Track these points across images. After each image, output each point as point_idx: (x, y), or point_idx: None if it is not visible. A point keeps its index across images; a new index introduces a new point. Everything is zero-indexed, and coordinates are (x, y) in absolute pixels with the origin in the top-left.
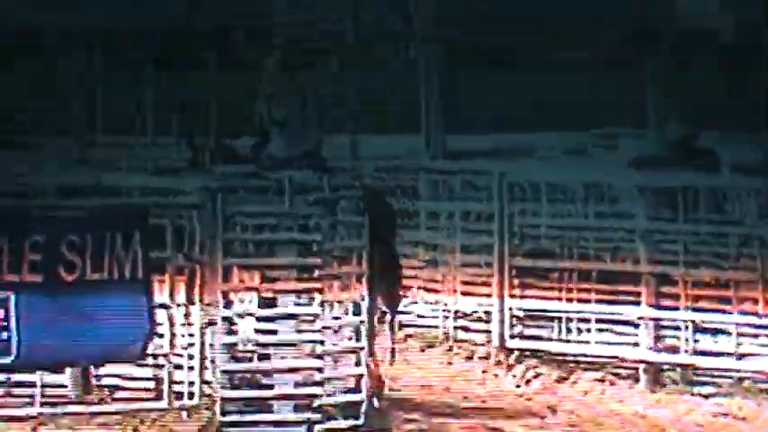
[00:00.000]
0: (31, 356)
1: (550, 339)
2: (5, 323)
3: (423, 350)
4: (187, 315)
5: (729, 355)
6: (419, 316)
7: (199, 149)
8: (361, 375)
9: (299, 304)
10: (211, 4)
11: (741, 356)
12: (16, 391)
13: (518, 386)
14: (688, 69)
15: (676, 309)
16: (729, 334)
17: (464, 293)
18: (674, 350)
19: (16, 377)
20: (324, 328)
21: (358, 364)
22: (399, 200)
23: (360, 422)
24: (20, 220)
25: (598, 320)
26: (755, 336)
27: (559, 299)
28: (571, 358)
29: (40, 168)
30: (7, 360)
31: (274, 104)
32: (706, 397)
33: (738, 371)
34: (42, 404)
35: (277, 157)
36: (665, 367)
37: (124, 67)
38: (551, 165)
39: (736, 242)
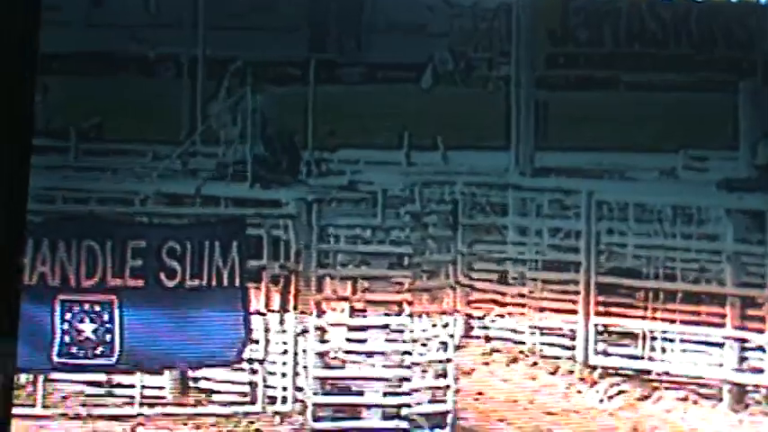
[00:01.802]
0: (131, 358)
1: (634, 357)
2: (110, 325)
3: (508, 364)
4: (281, 323)
5: None
6: (504, 330)
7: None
8: (448, 386)
9: (388, 315)
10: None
11: None
12: (117, 391)
13: (601, 401)
14: None
15: (761, 331)
16: None
17: (550, 309)
18: (758, 371)
19: (117, 378)
20: (412, 339)
21: (445, 375)
22: (488, 215)
23: (446, 431)
24: (123, 226)
25: (682, 340)
26: None
27: (644, 317)
28: (654, 377)
29: (143, 176)
30: (110, 361)
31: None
32: None
33: None
34: (141, 405)
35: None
36: (749, 388)
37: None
38: (640, 185)
39: None
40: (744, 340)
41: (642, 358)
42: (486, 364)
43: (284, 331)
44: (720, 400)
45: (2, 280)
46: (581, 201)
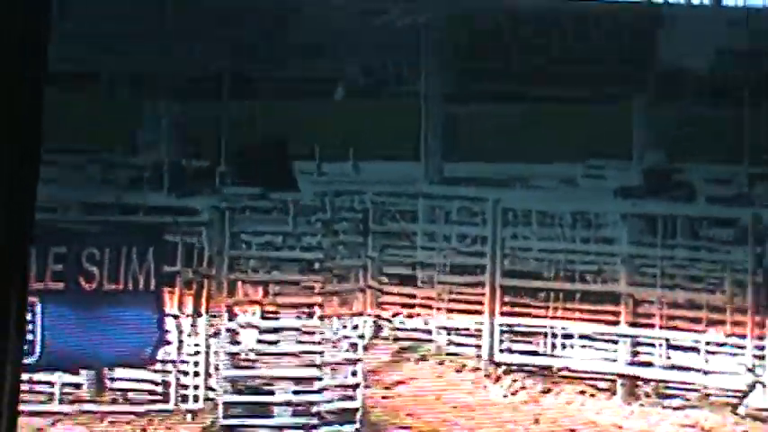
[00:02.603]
0: (51, 358)
1: (537, 354)
2: (31, 326)
3: (416, 363)
4: (194, 325)
5: (698, 371)
6: (413, 330)
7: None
8: (357, 384)
9: (299, 318)
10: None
11: (707, 373)
12: (37, 388)
13: (505, 396)
14: (670, 106)
15: (652, 327)
16: (699, 352)
17: (457, 311)
18: (648, 365)
19: (38, 376)
20: (323, 340)
21: (354, 374)
22: (398, 222)
23: (356, 427)
24: (45, 233)
25: (581, 337)
26: (722, 354)
27: (545, 317)
28: (555, 372)
29: (65, 185)
30: (31, 360)
31: None
32: (675, 409)
33: (705, 386)
34: (60, 402)
35: None
36: (640, 382)
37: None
38: (543, 193)
39: (708, 267)
40: (635, 336)
41: (544, 355)
42: (396, 362)
43: (197, 333)
44: (614, 393)
45: None
46: (487, 208)
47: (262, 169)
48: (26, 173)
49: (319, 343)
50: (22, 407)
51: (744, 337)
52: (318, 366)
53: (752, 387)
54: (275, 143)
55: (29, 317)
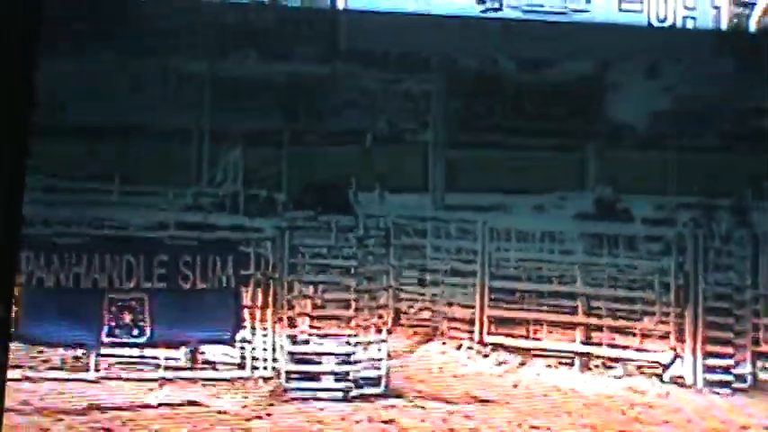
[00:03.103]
0: (157, 337)
1: (516, 336)
2: (142, 315)
3: (425, 343)
4: (263, 314)
5: (633, 349)
6: (424, 319)
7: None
8: (381, 359)
9: (340, 308)
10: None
11: (641, 350)
12: (147, 361)
13: (491, 367)
14: (616, 149)
15: (600, 317)
16: (635, 335)
17: (456, 305)
18: (598, 345)
19: (147, 352)
20: (357, 325)
21: (380, 350)
22: (411, 237)
23: (382, 389)
24: (151, 245)
25: (548, 324)
26: (652, 337)
27: (522, 309)
28: (529, 350)
29: (165, 209)
30: (143, 338)
31: None
32: (617, 378)
33: (638, 360)
34: (165, 369)
35: None
36: (592, 358)
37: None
38: (520, 217)
39: (642, 271)
40: (588, 324)
41: (521, 337)
42: (410, 343)
43: (265, 320)
44: (572, 365)
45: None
46: (478, 228)
47: (321, 199)
48: (13, 178)
49: (355, 327)
50: (137, 373)
51: (668, 323)
52: (353, 344)
53: (673, 361)
54: (333, 181)
55: (139, 309)
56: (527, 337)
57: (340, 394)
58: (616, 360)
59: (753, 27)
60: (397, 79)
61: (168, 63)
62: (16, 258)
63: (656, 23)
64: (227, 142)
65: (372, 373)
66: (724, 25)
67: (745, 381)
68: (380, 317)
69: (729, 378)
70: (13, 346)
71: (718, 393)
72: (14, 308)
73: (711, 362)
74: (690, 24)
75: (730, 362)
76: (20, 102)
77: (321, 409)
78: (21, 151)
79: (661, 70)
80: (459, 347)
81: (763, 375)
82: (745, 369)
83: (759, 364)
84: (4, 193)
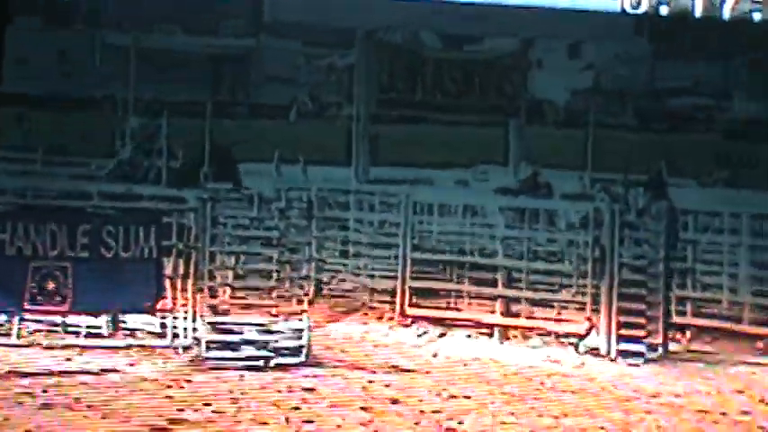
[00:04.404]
0: (79, 306)
1: (436, 308)
2: (65, 282)
3: (348, 314)
4: (184, 283)
5: (550, 320)
6: (346, 290)
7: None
8: (302, 329)
9: (262, 278)
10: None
11: (558, 321)
12: (69, 328)
13: (413, 337)
14: (537, 125)
15: (520, 289)
16: (553, 307)
17: (378, 276)
18: (516, 316)
19: (69, 320)
20: (278, 296)
21: (301, 320)
22: (334, 210)
23: (303, 358)
24: (74, 215)
25: (469, 295)
26: (570, 307)
27: (443, 280)
28: (449, 321)
29: (89, 180)
30: (65, 306)
31: None
32: (534, 348)
33: (557, 332)
34: (86, 336)
35: None
36: (510, 329)
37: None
38: (442, 190)
39: (561, 245)
40: (507, 297)
41: (442, 309)
42: (332, 313)
43: (186, 290)
44: (492, 335)
45: None
46: (401, 201)
47: (220, 170)
48: None
49: (276, 297)
50: (57, 341)
51: (584, 295)
52: (275, 315)
53: (588, 332)
54: (225, 151)
55: (62, 277)
56: (448, 309)
57: (260, 363)
58: (534, 331)
59: (726, 15)
60: (321, 54)
61: (94, 34)
62: None
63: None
64: (151, 114)
65: (293, 343)
66: (698, 12)
67: (656, 350)
68: (302, 288)
69: (641, 348)
70: None
71: (630, 363)
72: None
73: (625, 332)
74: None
75: (642, 333)
76: None
77: (241, 377)
78: None
79: (582, 50)
80: (380, 318)
81: (673, 346)
82: (657, 339)
83: (670, 334)
84: None
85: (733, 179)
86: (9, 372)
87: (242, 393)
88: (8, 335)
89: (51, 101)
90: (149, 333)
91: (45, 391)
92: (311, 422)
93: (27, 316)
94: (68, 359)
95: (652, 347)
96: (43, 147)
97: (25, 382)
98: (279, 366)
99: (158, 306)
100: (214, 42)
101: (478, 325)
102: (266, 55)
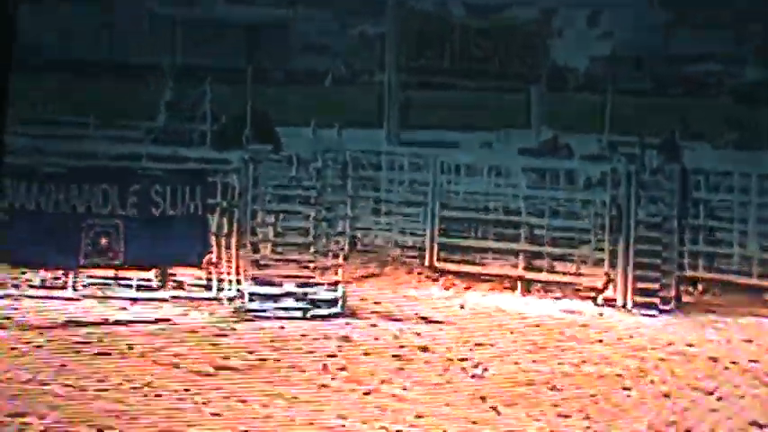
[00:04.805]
0: (130, 260)
1: (464, 262)
2: (117, 240)
3: (380, 267)
4: (228, 239)
5: (571, 274)
6: (378, 246)
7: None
8: (338, 282)
9: (301, 235)
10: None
11: (577, 275)
12: (122, 282)
13: (440, 290)
14: (558, 91)
15: (541, 245)
16: (573, 261)
17: (409, 233)
18: (538, 270)
19: (121, 274)
20: (315, 251)
21: (337, 273)
22: (367, 170)
23: (338, 310)
24: (125, 176)
25: (493, 251)
26: (587, 262)
27: (470, 237)
28: (475, 275)
29: (138, 143)
30: (118, 260)
31: None
32: (556, 299)
33: (576, 285)
34: (137, 289)
35: None
36: (533, 283)
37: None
38: (468, 152)
39: (580, 203)
40: (529, 252)
41: (468, 263)
42: (365, 267)
43: (230, 245)
44: (515, 289)
45: None
46: (429, 162)
47: (260, 133)
48: None
49: (313, 253)
50: (112, 293)
51: (602, 251)
52: (312, 269)
53: (606, 285)
54: (265, 116)
55: (115, 234)
56: (474, 263)
57: (299, 313)
58: (555, 284)
59: None
60: (354, 23)
61: (141, 5)
62: None
63: None
64: (195, 80)
65: (329, 295)
66: None
67: (669, 302)
68: (338, 243)
69: (656, 300)
70: None
71: (646, 314)
72: None
73: (640, 285)
74: None
75: (657, 286)
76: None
77: (282, 327)
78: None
79: (601, 18)
80: (410, 272)
81: (686, 298)
82: (671, 292)
83: (682, 287)
84: None
85: (743, 141)
86: (67, 322)
87: (282, 342)
88: (65, 288)
89: (102, 69)
90: (196, 286)
91: (100, 340)
92: (346, 369)
93: (82, 271)
94: (123, 308)
95: (666, 299)
96: (95, 113)
97: (82, 331)
98: (316, 317)
99: (204, 260)
100: (252, 12)
101: (502, 279)
102: (302, 24)
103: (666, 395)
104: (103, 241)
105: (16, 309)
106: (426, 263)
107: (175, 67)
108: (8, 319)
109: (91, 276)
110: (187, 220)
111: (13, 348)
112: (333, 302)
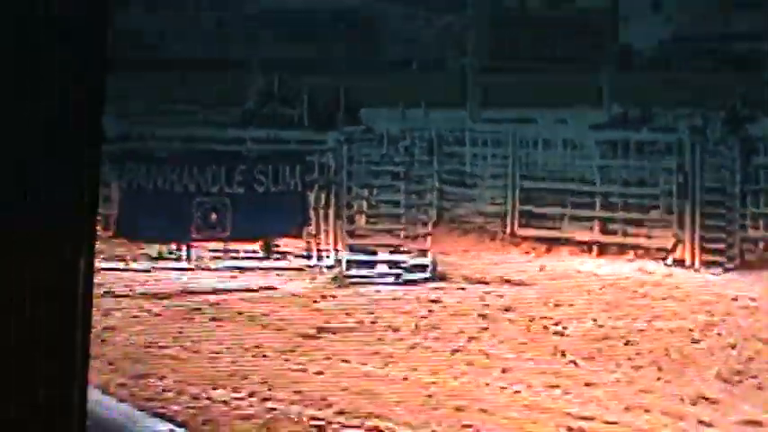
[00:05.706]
0: (238, 234)
1: (542, 228)
2: (225, 215)
3: (464, 234)
4: (326, 212)
5: (642, 237)
6: (463, 215)
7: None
8: (427, 250)
9: (393, 206)
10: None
11: (648, 238)
12: (230, 253)
13: (521, 254)
14: (626, 71)
15: (615, 210)
16: (644, 225)
17: (490, 203)
18: (612, 234)
19: (230, 246)
20: (406, 221)
21: (426, 241)
22: (452, 146)
23: (428, 275)
24: (232, 157)
25: (570, 217)
26: (657, 226)
27: (548, 205)
28: (554, 240)
29: (243, 127)
30: (226, 234)
31: None
32: (629, 261)
33: (648, 247)
34: (244, 259)
35: None
36: (609, 246)
37: None
38: (542, 128)
39: (650, 171)
40: (603, 218)
41: (547, 229)
42: (452, 234)
43: (328, 217)
44: (591, 251)
45: None
46: (508, 137)
47: (354, 115)
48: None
49: (404, 222)
50: (222, 263)
51: (671, 214)
52: (404, 238)
53: (674, 246)
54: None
55: (223, 210)
56: (552, 229)
57: (393, 279)
58: (628, 247)
59: None
60: (438, 16)
61: (240, 5)
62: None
63: None
64: (290, 70)
65: (420, 261)
66: None
67: (734, 260)
68: (426, 213)
69: (721, 259)
70: (116, 241)
71: (712, 272)
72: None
73: (706, 246)
74: None
75: (722, 246)
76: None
77: (377, 291)
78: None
79: (663, 4)
80: (493, 239)
81: (748, 256)
82: (734, 251)
83: (745, 246)
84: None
85: None
86: (182, 291)
87: (377, 305)
88: (179, 259)
89: (208, 63)
90: (298, 255)
91: (212, 306)
92: (437, 328)
93: (195, 243)
94: (233, 277)
95: (730, 258)
96: (203, 101)
97: (196, 299)
98: (408, 281)
99: (305, 232)
100: (345, 5)
101: (579, 243)
102: (391, 17)
103: (732, 346)
104: (213, 216)
105: (135, 279)
106: (508, 230)
107: (275, 60)
108: (130, 289)
109: (202, 248)
110: (288, 196)
111: (134, 316)
112: (423, 268)
